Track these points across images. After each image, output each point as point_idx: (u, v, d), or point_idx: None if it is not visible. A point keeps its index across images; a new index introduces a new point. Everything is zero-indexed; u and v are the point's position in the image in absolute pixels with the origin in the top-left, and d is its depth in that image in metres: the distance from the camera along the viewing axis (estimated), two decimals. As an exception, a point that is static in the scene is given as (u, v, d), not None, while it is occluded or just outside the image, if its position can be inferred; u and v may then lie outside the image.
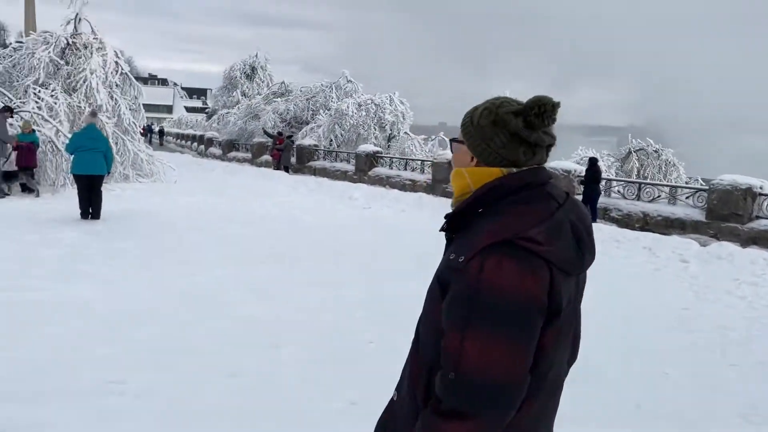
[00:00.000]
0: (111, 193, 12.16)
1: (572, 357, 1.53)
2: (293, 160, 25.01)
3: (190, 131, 51.36)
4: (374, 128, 24.91)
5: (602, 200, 14.28)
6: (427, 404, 1.36)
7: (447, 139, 23.01)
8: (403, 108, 25.45)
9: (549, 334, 1.31)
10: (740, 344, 5.41)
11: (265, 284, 6.44)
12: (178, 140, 54.06)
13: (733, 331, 5.78)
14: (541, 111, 1.36)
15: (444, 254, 1.42)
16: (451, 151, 1.55)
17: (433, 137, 24.23)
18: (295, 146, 25.38)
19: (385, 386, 3.82)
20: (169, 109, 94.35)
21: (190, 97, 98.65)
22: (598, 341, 5.25)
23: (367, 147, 22.04)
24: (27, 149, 12.06)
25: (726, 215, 11.81)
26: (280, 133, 25.76)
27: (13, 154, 12.09)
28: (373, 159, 21.45)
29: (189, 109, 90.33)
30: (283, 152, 24.09)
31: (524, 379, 1.28)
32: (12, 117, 12.54)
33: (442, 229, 1.48)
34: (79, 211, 9.90)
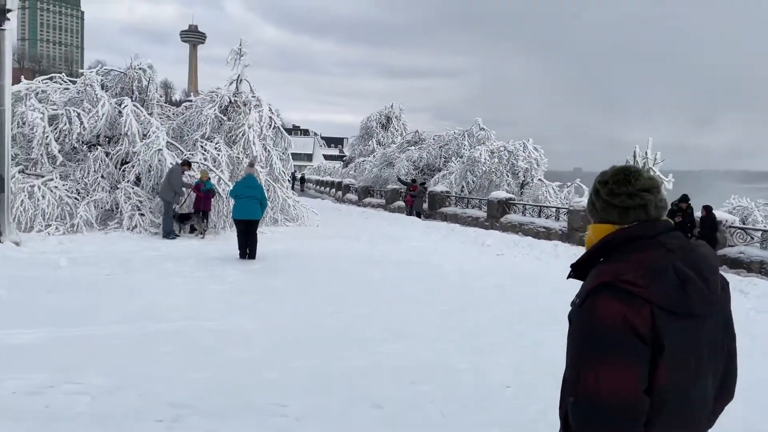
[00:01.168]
0: (263, 235, 13.35)
1: (724, 392, 1.74)
2: (425, 206, 25.67)
3: (329, 178, 54.48)
4: (507, 175, 24.97)
5: (759, 252, 13.30)
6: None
7: (584, 186, 22.52)
8: (537, 155, 25.31)
9: (661, 366, 1.53)
10: None
11: (402, 325, 6.83)
12: (318, 186, 57.48)
13: None
14: (622, 179, 1.74)
15: None
16: None
17: (569, 184, 23.80)
18: (427, 192, 26.07)
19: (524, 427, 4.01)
20: (309, 157, 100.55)
21: (329, 146, 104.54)
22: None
23: (500, 193, 22.14)
24: (205, 195, 13.73)
25: None
26: (414, 180, 26.63)
27: (190, 198, 13.85)
28: (505, 205, 21.49)
29: (327, 157, 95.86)
30: (416, 198, 24.85)
31: (635, 398, 1.49)
32: (189, 169, 14.31)
33: (569, 277, 1.82)
34: (238, 251, 11.04)
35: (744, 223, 17.23)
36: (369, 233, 16.12)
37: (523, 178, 25.25)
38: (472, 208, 24.19)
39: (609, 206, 1.73)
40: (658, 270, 1.56)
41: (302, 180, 60.28)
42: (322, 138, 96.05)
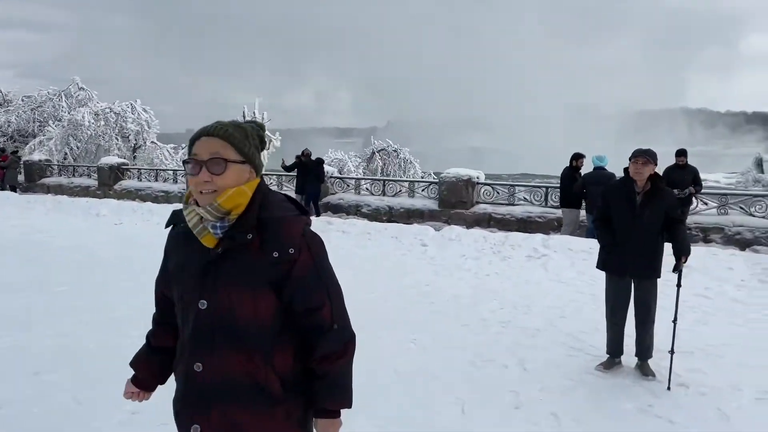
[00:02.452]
0: None
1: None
2: (21, 178, 22.17)
3: None
4: (116, 138, 23.33)
5: (354, 197, 15.53)
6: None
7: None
8: (147, 116, 24.24)
9: None
10: (469, 307, 6.56)
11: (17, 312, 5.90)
12: None
13: (464, 298, 6.96)
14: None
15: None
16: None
17: (183, 145, 23.55)
18: (22, 162, 22.51)
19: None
20: None
21: None
22: (362, 317, 5.95)
23: (111, 159, 20.61)
24: None
25: (454, 203, 13.78)
26: (2, 149, 22.60)
27: None
28: (118, 171, 20.11)
29: None
30: (8, 170, 21.22)
31: None
32: None
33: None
34: None
35: (340, 173, 19.89)
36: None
37: (134, 141, 23.94)
38: (81, 176, 21.92)
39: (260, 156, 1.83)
40: None
41: None
42: None
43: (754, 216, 10.83)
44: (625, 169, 4.79)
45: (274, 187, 17.39)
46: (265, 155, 23.03)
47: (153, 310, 2.01)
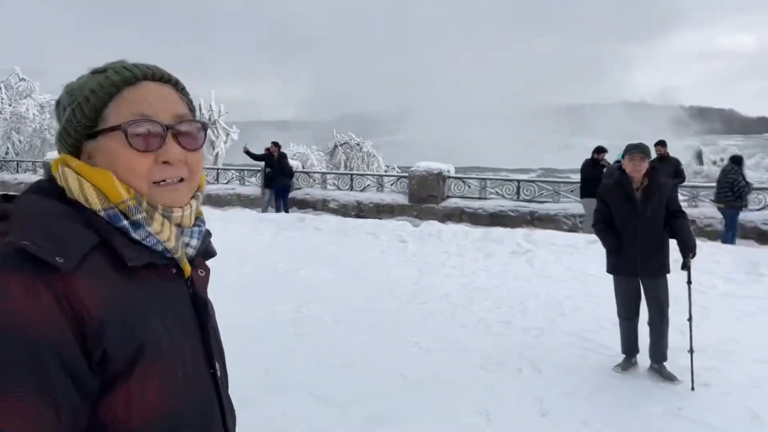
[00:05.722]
0: None
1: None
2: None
3: None
4: (64, 132, 22.17)
5: (321, 192, 15.17)
6: None
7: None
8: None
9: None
10: (463, 307, 6.36)
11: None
12: None
13: (455, 297, 6.75)
14: None
15: None
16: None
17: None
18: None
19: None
20: None
21: None
22: (353, 319, 5.69)
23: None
24: None
25: (425, 197, 13.60)
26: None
27: None
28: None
29: None
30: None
31: None
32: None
33: None
34: None
35: (303, 167, 19.45)
36: None
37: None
38: (25, 172, 20.75)
39: None
40: None
41: None
42: None
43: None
44: (619, 167, 4.66)
45: (236, 183, 16.92)
46: (223, 149, 22.34)
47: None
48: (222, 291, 7.34)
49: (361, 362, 4.75)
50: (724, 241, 9.63)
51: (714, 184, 10.54)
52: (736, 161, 9.95)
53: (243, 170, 17.19)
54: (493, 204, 13.03)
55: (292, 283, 7.22)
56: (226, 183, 16.89)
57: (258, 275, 7.59)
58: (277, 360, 4.75)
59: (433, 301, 6.61)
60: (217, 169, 17.82)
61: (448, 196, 13.68)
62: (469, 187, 13.81)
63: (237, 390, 4.26)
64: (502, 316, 6.01)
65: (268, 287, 7.00)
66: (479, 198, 13.43)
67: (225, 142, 23.33)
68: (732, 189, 9.52)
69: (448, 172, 13.79)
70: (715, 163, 38.99)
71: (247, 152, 13.97)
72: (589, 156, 10.66)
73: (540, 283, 7.30)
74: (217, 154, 23.05)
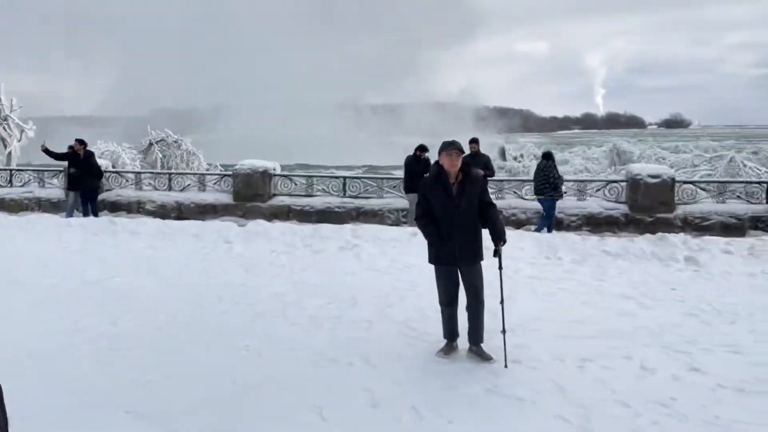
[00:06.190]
0: None
1: None
2: None
3: None
4: None
5: (135, 193, 14.12)
6: None
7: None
8: None
9: None
10: (294, 305, 6.30)
11: None
12: None
13: (285, 295, 6.66)
14: None
15: None
16: None
17: None
18: None
19: None
20: None
21: None
22: (178, 328, 5.37)
23: None
24: None
25: (250, 196, 13.27)
26: None
27: None
28: None
29: None
30: None
31: None
32: None
33: None
34: None
35: (114, 167, 17.94)
36: None
37: None
38: None
39: None
40: None
41: None
42: None
43: (524, 199, 12.24)
44: (436, 162, 4.92)
45: (34, 185, 15.08)
46: (17, 147, 19.80)
47: None
48: (17, 307, 6.55)
49: (186, 373, 4.49)
50: (539, 230, 10.56)
51: (516, 178, 11.58)
52: (549, 157, 11.02)
53: (42, 171, 15.41)
54: (320, 201, 13.10)
55: (105, 294, 6.60)
56: (22, 186, 15.00)
57: (64, 286, 6.83)
58: (87, 378, 4.32)
59: (263, 301, 6.47)
60: (11, 170, 15.78)
61: (275, 195, 13.49)
62: (295, 184, 13.75)
63: (41, 413, 3.81)
64: (333, 312, 6.05)
65: (76, 299, 6.33)
66: (306, 195, 13.42)
67: (19, 140, 20.74)
68: (548, 182, 10.53)
69: (273, 170, 13.59)
70: (516, 158, 42.93)
71: (46, 151, 12.51)
72: (411, 153, 11.15)
73: (368, 276, 7.49)
74: (9, 154, 20.47)
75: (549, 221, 10.74)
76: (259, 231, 9.53)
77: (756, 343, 5.05)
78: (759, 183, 12.02)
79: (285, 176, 13.89)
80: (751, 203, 11.49)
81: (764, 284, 6.99)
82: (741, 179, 15.72)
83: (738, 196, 11.74)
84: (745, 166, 21.23)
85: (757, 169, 21.34)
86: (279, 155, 23.93)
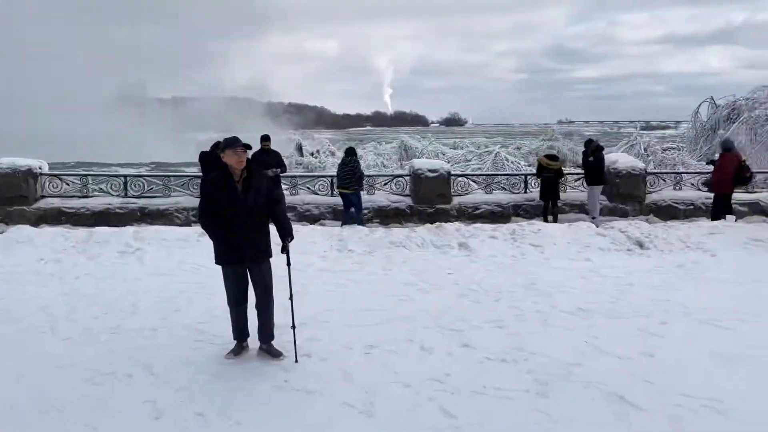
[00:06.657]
0: None
1: None
2: None
3: None
4: None
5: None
6: None
7: None
8: None
9: None
10: (65, 318, 5.69)
11: None
12: None
13: (55, 307, 5.98)
14: None
15: None
16: None
17: None
18: None
19: None
20: None
21: None
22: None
23: None
24: None
25: (11, 198, 11.65)
26: None
27: None
28: None
29: None
30: None
31: None
32: None
33: None
34: None
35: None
36: None
37: None
38: None
39: None
40: None
41: None
42: None
43: (318, 194, 12.46)
44: (218, 159, 4.80)
45: None
46: None
47: None
48: None
49: None
50: (346, 222, 10.67)
51: (311, 174, 11.72)
52: (352, 153, 11.30)
53: None
54: (98, 202, 11.95)
55: None
56: None
57: None
58: None
59: (28, 316, 5.76)
60: None
61: (43, 196, 12.01)
62: (68, 185, 12.37)
63: None
64: (111, 322, 5.60)
65: None
66: (81, 196, 12.15)
67: None
68: (354, 176, 10.82)
69: (40, 168, 12.07)
70: (312, 154, 43.52)
71: None
72: (205, 149, 10.60)
73: (152, 281, 7.04)
74: None
75: (358, 212, 11.09)
76: (22, 238, 8.42)
77: (515, 318, 5.74)
78: (518, 175, 13.59)
79: (54, 176, 12.43)
80: (513, 193, 13.01)
81: (523, 264, 7.98)
82: (504, 172, 17.66)
83: (503, 188, 13.19)
84: (507, 160, 23.96)
85: (518, 162, 24.20)
86: (50, 153, 21.28)
